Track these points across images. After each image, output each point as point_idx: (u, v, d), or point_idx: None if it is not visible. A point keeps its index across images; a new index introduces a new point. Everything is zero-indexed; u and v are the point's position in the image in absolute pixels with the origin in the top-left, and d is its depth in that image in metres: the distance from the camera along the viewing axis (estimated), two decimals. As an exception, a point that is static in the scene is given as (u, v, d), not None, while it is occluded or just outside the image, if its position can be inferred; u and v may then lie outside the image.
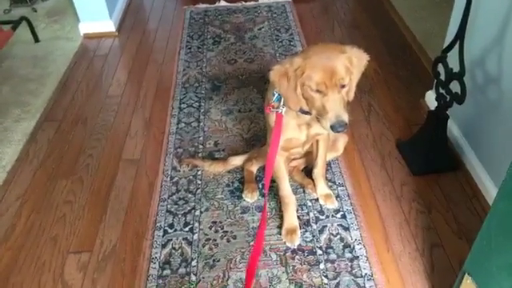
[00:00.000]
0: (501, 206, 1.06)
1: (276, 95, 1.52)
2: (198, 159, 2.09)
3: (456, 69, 1.74)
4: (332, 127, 1.36)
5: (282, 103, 1.51)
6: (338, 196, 1.90)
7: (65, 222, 1.86)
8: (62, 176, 2.08)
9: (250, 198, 1.89)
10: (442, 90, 1.85)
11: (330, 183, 1.94)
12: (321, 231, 1.76)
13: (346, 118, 1.36)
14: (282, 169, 1.73)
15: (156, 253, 1.71)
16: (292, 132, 1.59)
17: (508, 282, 1.06)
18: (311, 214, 1.83)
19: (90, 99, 2.58)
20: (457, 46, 1.72)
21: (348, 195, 1.91)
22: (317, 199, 1.88)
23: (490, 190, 1.80)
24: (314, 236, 1.75)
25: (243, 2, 3.47)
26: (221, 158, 2.10)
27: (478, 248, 1.17)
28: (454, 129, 2.08)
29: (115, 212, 1.89)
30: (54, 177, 2.07)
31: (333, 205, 1.85)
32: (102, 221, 1.86)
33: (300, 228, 1.76)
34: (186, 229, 1.80)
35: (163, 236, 1.77)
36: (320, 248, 1.70)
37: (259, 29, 3.15)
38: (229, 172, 2.03)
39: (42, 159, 2.18)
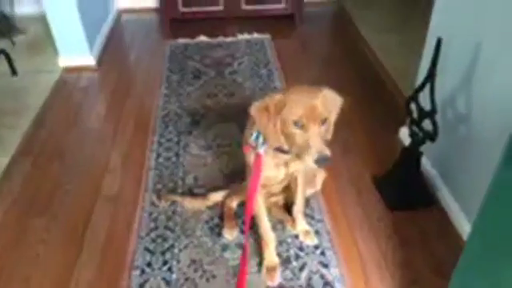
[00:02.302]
0: (474, 246, 1.09)
1: (254, 135, 1.55)
2: (176, 195, 2.08)
3: (428, 107, 1.81)
4: (316, 161, 1.38)
5: (260, 142, 1.53)
6: (317, 232, 1.91)
7: (38, 263, 1.80)
8: (37, 213, 2.03)
9: (230, 235, 1.88)
10: (414, 128, 1.92)
11: (308, 218, 1.95)
12: (301, 269, 1.76)
13: (327, 151, 1.38)
14: (261, 206, 1.74)
15: (133, 293, 1.67)
16: (270, 171, 1.61)
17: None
18: (291, 251, 1.83)
19: (68, 133, 2.56)
20: (428, 86, 1.79)
21: (327, 231, 1.92)
22: (297, 236, 1.89)
23: (463, 226, 1.85)
24: (294, 274, 1.74)
25: (223, 38, 3.55)
26: (200, 193, 2.10)
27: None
28: (427, 165, 2.14)
29: (91, 251, 1.85)
30: (28, 214, 2.02)
31: (312, 241, 1.86)
32: (77, 261, 1.81)
33: (280, 265, 1.76)
34: (165, 268, 1.77)
35: (140, 275, 1.74)
36: (300, 286, 1.69)
37: (239, 64, 3.21)
38: (208, 208, 2.02)
39: (16, 195, 2.12)
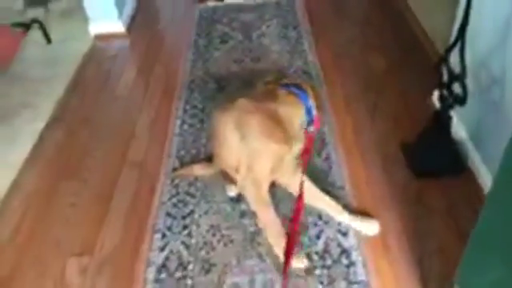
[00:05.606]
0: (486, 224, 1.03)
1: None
2: (186, 168, 2.05)
3: (458, 69, 1.69)
4: None
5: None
6: (337, 198, 1.85)
7: (68, 224, 1.90)
8: (67, 177, 2.12)
9: (232, 191, 1.91)
10: (444, 91, 1.80)
11: (329, 186, 1.91)
12: (318, 236, 1.75)
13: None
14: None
15: (154, 256, 1.73)
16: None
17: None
18: (309, 219, 1.81)
19: (98, 100, 2.63)
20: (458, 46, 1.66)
21: (347, 198, 1.88)
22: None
23: (494, 195, 1.75)
24: (311, 241, 1.73)
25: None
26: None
27: (467, 261, 1.14)
28: (460, 130, 2.01)
29: (117, 214, 1.92)
30: (60, 178, 2.12)
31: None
32: (103, 223, 1.89)
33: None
34: (185, 232, 1.81)
35: (161, 239, 1.80)
36: (317, 253, 1.69)
37: (267, 26, 3.12)
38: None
39: (49, 160, 2.23)
